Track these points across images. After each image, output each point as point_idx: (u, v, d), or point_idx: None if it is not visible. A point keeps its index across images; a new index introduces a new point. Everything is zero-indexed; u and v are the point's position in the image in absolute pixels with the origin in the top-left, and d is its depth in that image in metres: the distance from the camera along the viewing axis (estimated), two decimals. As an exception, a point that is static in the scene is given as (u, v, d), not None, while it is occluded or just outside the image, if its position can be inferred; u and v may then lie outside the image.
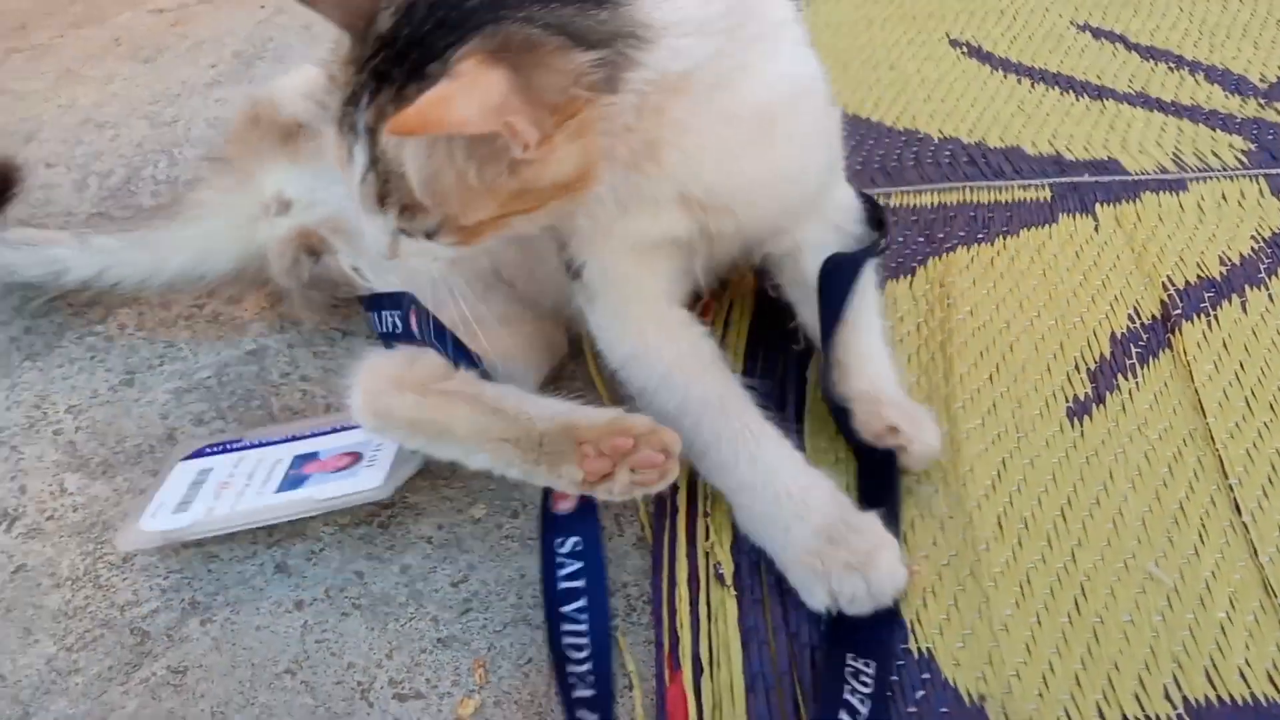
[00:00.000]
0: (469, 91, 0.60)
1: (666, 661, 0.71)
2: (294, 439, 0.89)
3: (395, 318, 0.84)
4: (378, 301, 0.85)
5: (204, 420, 0.93)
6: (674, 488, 0.82)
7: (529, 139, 0.62)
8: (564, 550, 0.75)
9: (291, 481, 0.84)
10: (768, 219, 0.82)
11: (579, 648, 0.70)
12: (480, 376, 0.80)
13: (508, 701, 0.71)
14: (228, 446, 0.89)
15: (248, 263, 1.00)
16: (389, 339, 0.84)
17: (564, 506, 0.76)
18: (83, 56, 1.52)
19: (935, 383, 0.89)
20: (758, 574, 0.76)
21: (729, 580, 0.75)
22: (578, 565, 0.74)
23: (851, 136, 1.17)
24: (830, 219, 0.88)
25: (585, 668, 0.69)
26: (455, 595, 0.78)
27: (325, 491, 0.81)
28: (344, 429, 0.87)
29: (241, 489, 0.84)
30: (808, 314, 0.88)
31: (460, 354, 0.80)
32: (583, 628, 0.71)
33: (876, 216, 0.92)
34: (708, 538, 0.79)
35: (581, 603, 0.72)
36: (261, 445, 0.89)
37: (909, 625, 0.72)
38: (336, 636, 0.76)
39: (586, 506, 0.75)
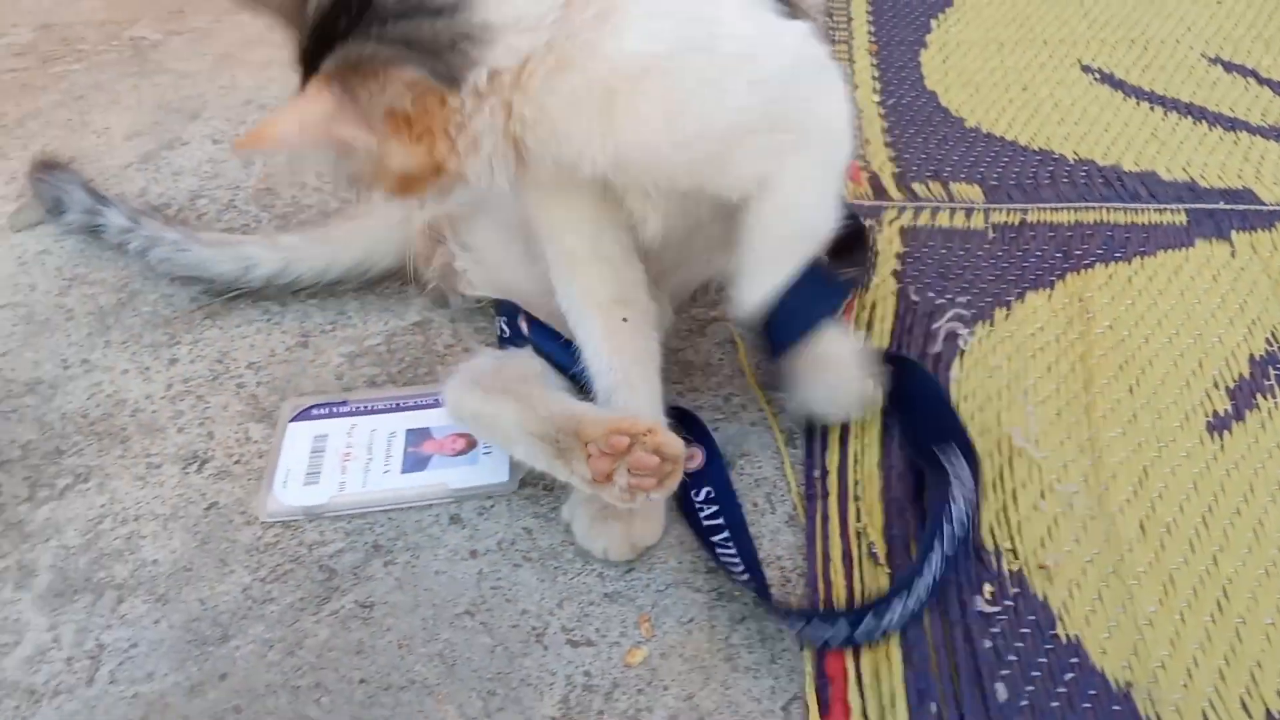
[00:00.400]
0: (303, 111, 0.71)
1: (824, 630, 0.76)
2: (399, 408, 0.95)
3: (502, 323, 0.94)
4: (496, 306, 0.95)
5: (376, 382, 0.99)
6: (824, 471, 0.87)
7: (365, 144, 0.72)
8: (699, 498, 0.84)
9: (414, 461, 0.90)
10: (671, 181, 0.80)
11: (734, 563, 0.80)
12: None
13: (673, 655, 0.76)
14: (334, 410, 0.95)
15: (407, 257, 1.07)
16: (501, 341, 0.94)
17: (691, 466, 0.84)
18: (239, 42, 1.60)
19: (1074, 391, 0.93)
20: (908, 554, 0.80)
21: (883, 559, 0.79)
22: (714, 509, 0.83)
23: (985, 153, 1.21)
24: (812, 172, 0.83)
25: (744, 577, 0.78)
26: (619, 556, 0.83)
27: (455, 480, 0.88)
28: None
29: (365, 463, 0.90)
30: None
31: (569, 354, 0.88)
32: (731, 550, 0.81)
33: (855, 239, 0.94)
34: (859, 519, 0.83)
35: (726, 534, 0.82)
36: (369, 412, 0.95)
37: (1056, 613, 0.76)
38: (510, 585, 0.81)
39: (713, 460, 0.86)
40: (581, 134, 0.74)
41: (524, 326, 0.93)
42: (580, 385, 0.88)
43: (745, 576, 0.78)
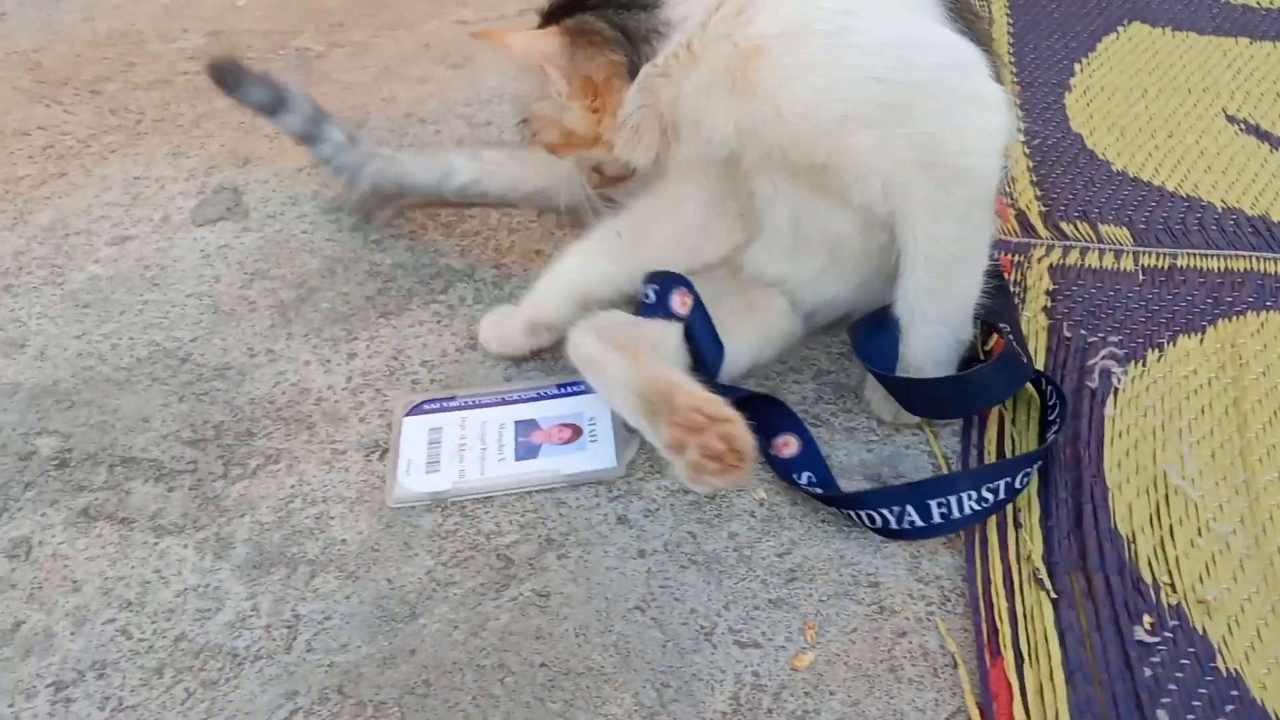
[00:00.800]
0: (535, 40, 0.91)
1: (987, 648, 0.78)
2: (504, 402, 1.01)
3: (650, 290, 0.98)
4: (649, 275, 0.99)
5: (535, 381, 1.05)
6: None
7: (559, 87, 0.91)
8: (803, 483, 0.91)
9: (525, 450, 0.96)
10: (784, 153, 0.87)
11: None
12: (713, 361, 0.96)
13: (838, 662, 0.79)
14: (444, 404, 1.01)
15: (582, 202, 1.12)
16: (642, 308, 0.98)
17: (787, 452, 0.93)
18: (398, 57, 1.68)
19: (1229, 434, 0.95)
20: (1070, 579, 0.82)
21: (1049, 585, 0.82)
22: (820, 490, 0.90)
23: (1133, 197, 1.23)
24: (942, 205, 0.87)
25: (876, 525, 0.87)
26: (780, 564, 0.87)
27: (567, 466, 0.94)
28: (547, 396, 1.00)
29: (480, 452, 0.96)
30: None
31: (711, 338, 0.96)
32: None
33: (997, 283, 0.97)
34: (1018, 547, 0.86)
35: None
36: (477, 406, 1.01)
37: (1216, 647, 0.78)
38: (678, 585, 0.85)
39: (809, 447, 0.93)
40: (712, 109, 0.86)
41: (677, 303, 0.97)
42: (706, 377, 0.94)
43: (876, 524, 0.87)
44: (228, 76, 1.22)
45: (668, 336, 0.96)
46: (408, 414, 1.00)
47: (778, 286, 1.02)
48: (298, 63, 1.68)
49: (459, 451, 0.96)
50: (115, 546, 0.91)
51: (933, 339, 0.94)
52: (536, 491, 0.93)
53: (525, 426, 0.98)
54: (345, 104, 1.55)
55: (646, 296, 0.99)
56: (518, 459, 0.95)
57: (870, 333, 0.97)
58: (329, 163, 1.23)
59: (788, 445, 0.94)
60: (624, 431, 0.95)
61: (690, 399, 0.83)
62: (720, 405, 0.83)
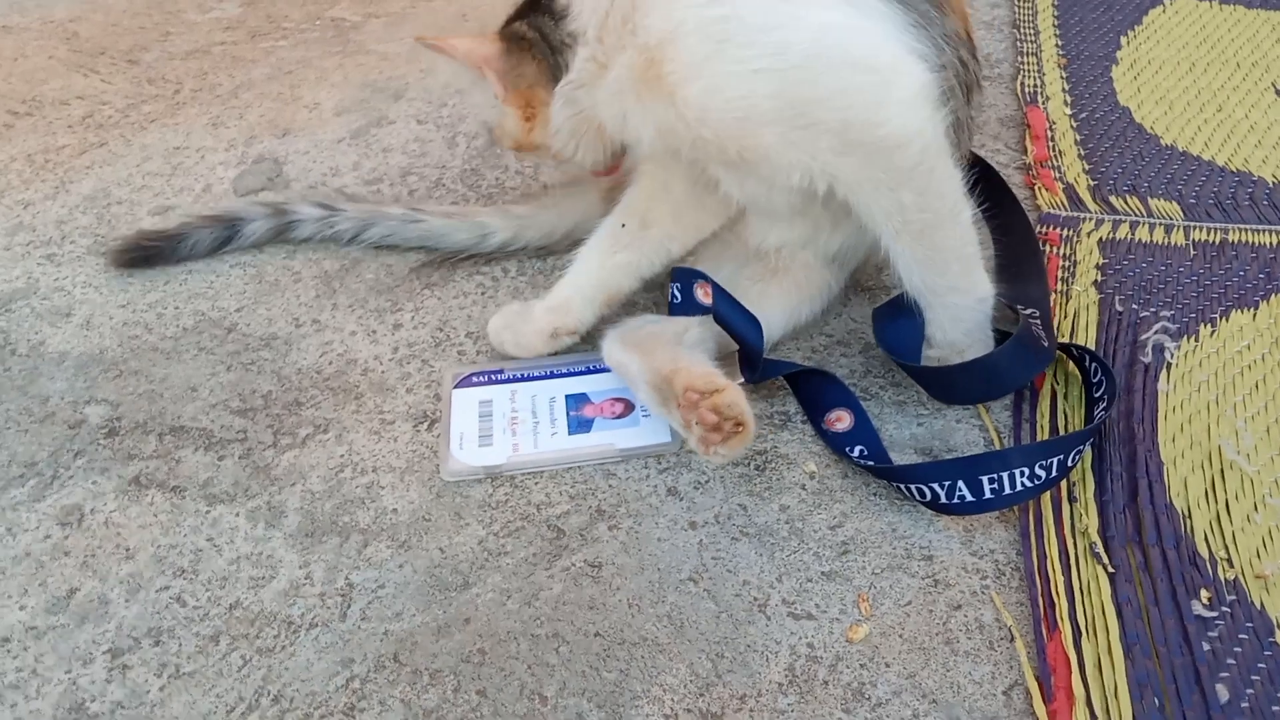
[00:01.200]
0: (476, 45, 0.97)
1: (1043, 621, 0.78)
2: (553, 375, 1.01)
3: (675, 289, 1.00)
4: (672, 273, 1.02)
5: (578, 350, 1.04)
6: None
7: (496, 89, 0.96)
8: (855, 454, 0.91)
9: (578, 424, 0.96)
10: (706, 152, 0.89)
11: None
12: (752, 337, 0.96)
13: (893, 634, 0.79)
14: (492, 377, 1.01)
15: None
16: (671, 308, 1.00)
17: (840, 427, 0.94)
18: (433, 27, 1.67)
19: (1284, 409, 0.94)
20: (1127, 553, 0.82)
21: (1106, 560, 0.81)
22: (870, 462, 0.90)
23: (1182, 171, 1.22)
24: (882, 179, 0.86)
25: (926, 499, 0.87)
26: (833, 537, 0.86)
27: (622, 440, 0.94)
28: (596, 370, 1.01)
29: (533, 426, 0.96)
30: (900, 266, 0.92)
31: (743, 317, 0.95)
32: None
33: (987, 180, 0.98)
34: (1074, 522, 0.85)
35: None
36: (526, 379, 1.01)
37: (1275, 621, 0.77)
38: (730, 556, 0.85)
39: (861, 421, 0.93)
40: (629, 115, 0.90)
41: (700, 294, 0.98)
42: (750, 356, 0.95)
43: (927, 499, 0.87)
44: (163, 251, 1.17)
45: (689, 326, 0.98)
46: (456, 386, 1.00)
47: (787, 249, 1.02)
48: (334, 33, 1.67)
49: (511, 425, 0.96)
50: (167, 515, 0.91)
51: (953, 308, 0.93)
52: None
53: (576, 400, 0.98)
54: (383, 74, 1.55)
55: (673, 296, 1.00)
56: (571, 433, 0.95)
57: (889, 320, 0.96)
58: (315, 239, 1.19)
59: (840, 420, 0.94)
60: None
61: (685, 379, 0.87)
62: (712, 379, 0.86)
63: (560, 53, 0.94)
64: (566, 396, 0.99)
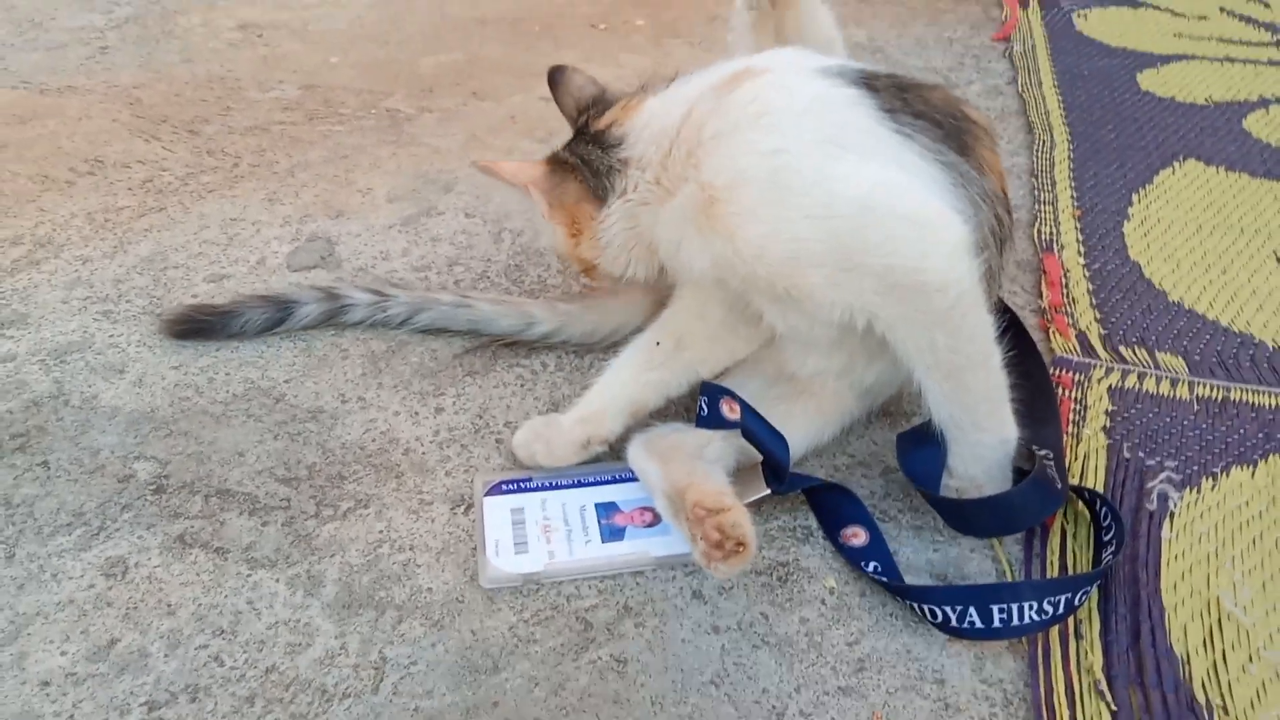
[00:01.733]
0: (524, 167, 1.07)
1: (1048, 752, 0.82)
2: (580, 484, 1.05)
3: (702, 402, 1.04)
4: (701, 387, 1.06)
5: (619, 454, 1.09)
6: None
7: (540, 207, 1.05)
8: (869, 570, 0.96)
9: (611, 532, 0.99)
10: (756, 288, 0.97)
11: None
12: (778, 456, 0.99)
13: (904, 753, 0.82)
14: (521, 485, 1.04)
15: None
16: (699, 420, 1.05)
17: (855, 542, 0.98)
18: (485, 126, 1.76)
19: (1279, 566, 0.99)
20: (1129, 694, 0.86)
21: (1109, 698, 0.85)
22: (884, 579, 0.95)
23: (1188, 328, 1.29)
24: (917, 319, 0.92)
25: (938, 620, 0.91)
26: (850, 654, 0.90)
27: (656, 548, 0.98)
28: (622, 479, 1.05)
29: (566, 533, 0.99)
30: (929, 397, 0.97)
31: (770, 434, 0.99)
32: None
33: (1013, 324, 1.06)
34: (1080, 658, 0.89)
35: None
36: (555, 487, 1.04)
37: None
38: (750, 663, 0.89)
39: (876, 539, 0.98)
40: (687, 243, 0.97)
41: (726, 410, 1.02)
42: (776, 468, 0.99)
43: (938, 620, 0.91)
44: (214, 325, 1.23)
45: (712, 439, 1.03)
46: (487, 494, 1.03)
47: (820, 377, 1.08)
48: (388, 123, 1.75)
49: (544, 532, 0.99)
50: (209, 574, 0.95)
51: (976, 446, 0.99)
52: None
53: (606, 509, 1.02)
54: (434, 166, 1.62)
55: (701, 409, 1.05)
56: (604, 540, 0.98)
57: (913, 447, 1.02)
58: (367, 323, 1.25)
59: (856, 536, 0.99)
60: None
61: (696, 494, 0.92)
62: (720, 499, 0.91)
63: (604, 176, 1.03)
64: (596, 505, 1.02)
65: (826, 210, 0.90)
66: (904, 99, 0.98)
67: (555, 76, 1.15)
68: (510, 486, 1.04)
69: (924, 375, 0.94)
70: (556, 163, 1.07)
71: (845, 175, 0.91)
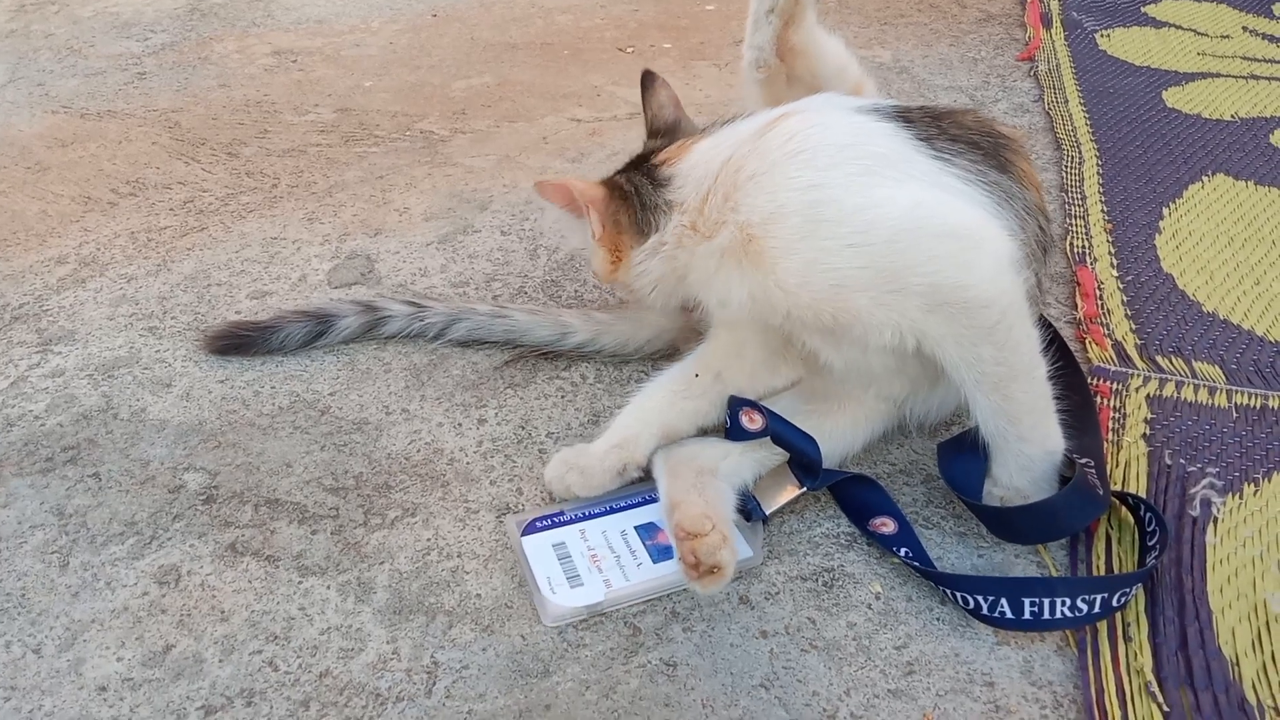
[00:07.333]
0: (582, 184, 1.06)
1: (1101, 753, 0.82)
2: (613, 510, 1.04)
3: (728, 416, 1.07)
4: (729, 401, 1.08)
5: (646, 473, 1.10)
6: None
7: (594, 228, 1.06)
8: (902, 555, 0.98)
9: (658, 552, 0.99)
10: (800, 321, 0.98)
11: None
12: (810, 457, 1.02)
13: (957, 754, 0.83)
14: (555, 520, 1.03)
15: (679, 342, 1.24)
16: (727, 433, 1.07)
17: (885, 531, 1.00)
18: (518, 147, 1.78)
19: (1326, 571, 0.99)
20: (1180, 695, 0.86)
21: (1161, 699, 0.85)
22: (915, 563, 0.97)
23: (1224, 337, 1.29)
24: (964, 334, 0.92)
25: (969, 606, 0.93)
26: (898, 657, 0.90)
27: None
28: (652, 500, 1.05)
29: (615, 560, 0.99)
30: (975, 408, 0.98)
31: (797, 434, 1.02)
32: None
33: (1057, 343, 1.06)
34: (1129, 660, 0.89)
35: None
36: (589, 517, 1.04)
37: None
38: (800, 667, 0.89)
39: (904, 527, 1.00)
40: (725, 279, 0.99)
41: (746, 422, 1.05)
42: (808, 465, 1.02)
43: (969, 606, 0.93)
44: (255, 341, 1.25)
45: (729, 453, 1.05)
46: (524, 534, 1.01)
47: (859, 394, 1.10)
48: (423, 144, 1.78)
49: (593, 562, 0.98)
50: (261, 582, 0.96)
51: (1023, 457, 0.99)
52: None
53: (647, 531, 1.02)
54: (469, 186, 1.64)
55: (728, 422, 1.07)
56: (655, 561, 0.98)
57: (955, 455, 1.03)
58: (405, 334, 1.27)
59: (885, 525, 1.01)
60: (744, 522, 1.00)
61: (680, 515, 0.94)
62: (701, 523, 0.92)
63: (651, 211, 1.04)
64: (636, 528, 1.02)
65: (866, 236, 0.91)
66: (939, 126, 1.00)
67: (647, 81, 1.17)
68: (545, 523, 1.02)
69: (971, 389, 0.95)
70: (614, 188, 1.07)
71: (883, 200, 0.92)
